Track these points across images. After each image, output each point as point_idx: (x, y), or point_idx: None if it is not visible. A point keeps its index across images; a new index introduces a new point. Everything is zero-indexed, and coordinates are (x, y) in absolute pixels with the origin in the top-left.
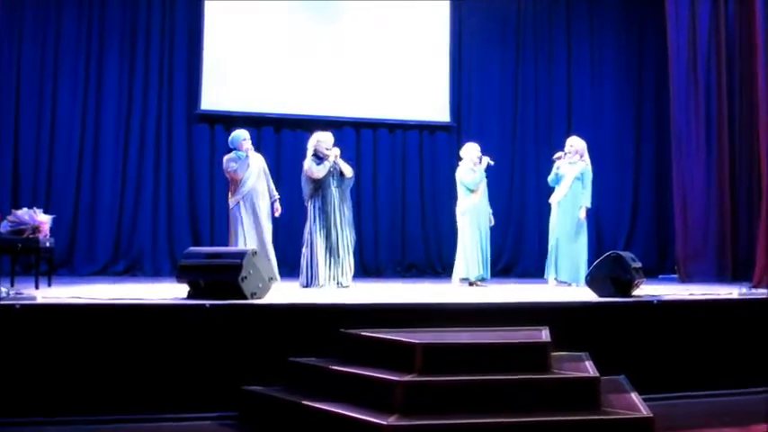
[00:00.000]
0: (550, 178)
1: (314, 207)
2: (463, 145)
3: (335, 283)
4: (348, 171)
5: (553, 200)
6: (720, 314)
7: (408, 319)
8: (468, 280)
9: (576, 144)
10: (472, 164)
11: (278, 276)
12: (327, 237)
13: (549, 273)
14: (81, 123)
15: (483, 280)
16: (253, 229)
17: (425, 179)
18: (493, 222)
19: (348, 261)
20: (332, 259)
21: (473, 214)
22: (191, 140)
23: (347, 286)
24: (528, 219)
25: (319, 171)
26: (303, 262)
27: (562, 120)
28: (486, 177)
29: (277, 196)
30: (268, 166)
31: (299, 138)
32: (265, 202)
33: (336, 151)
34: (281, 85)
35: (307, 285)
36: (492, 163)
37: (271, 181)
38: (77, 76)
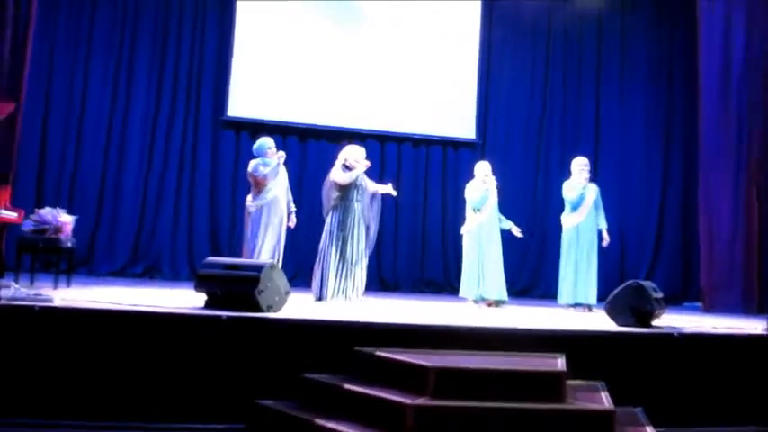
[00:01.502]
0: (573, 198)
1: (333, 219)
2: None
3: (344, 296)
4: (372, 185)
5: (571, 222)
6: (743, 349)
7: (423, 339)
8: (486, 300)
9: (588, 165)
10: (481, 182)
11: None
12: (342, 250)
13: (571, 298)
14: (108, 124)
15: (496, 301)
16: (270, 238)
17: (448, 196)
18: (521, 234)
19: (360, 276)
20: (343, 272)
21: (475, 234)
22: (216, 146)
23: (357, 300)
24: (550, 239)
25: (344, 178)
26: (316, 275)
27: (589, 138)
28: (503, 196)
29: (293, 209)
30: (292, 175)
31: (324, 149)
32: (282, 214)
33: (367, 163)
34: (308, 96)
35: (320, 298)
36: (495, 183)
37: (289, 194)
38: (107, 78)
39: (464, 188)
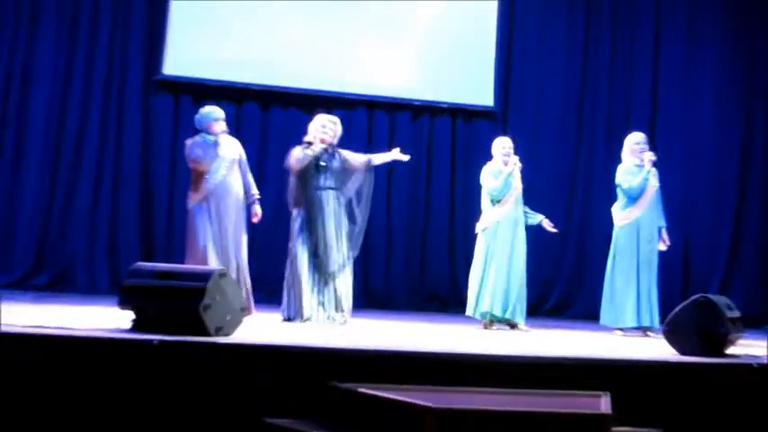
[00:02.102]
0: (634, 186)
1: (299, 215)
2: (509, 137)
3: (325, 315)
4: (357, 159)
5: (628, 217)
6: None
7: (421, 372)
8: (507, 321)
9: (648, 143)
10: (501, 164)
11: (252, 307)
12: (314, 254)
13: (629, 319)
14: (4, 87)
15: (508, 323)
16: (216, 241)
17: (457, 180)
18: (554, 229)
19: (345, 287)
20: (320, 284)
21: (493, 233)
22: (147, 115)
23: (343, 321)
24: (593, 241)
25: (299, 160)
26: (285, 287)
27: (644, 115)
28: (531, 183)
29: (256, 196)
30: (249, 155)
31: (293, 118)
32: (239, 205)
33: (321, 142)
34: (273, 49)
35: (289, 318)
36: (519, 165)
37: (250, 176)
38: (3, 26)
39: (480, 170)
